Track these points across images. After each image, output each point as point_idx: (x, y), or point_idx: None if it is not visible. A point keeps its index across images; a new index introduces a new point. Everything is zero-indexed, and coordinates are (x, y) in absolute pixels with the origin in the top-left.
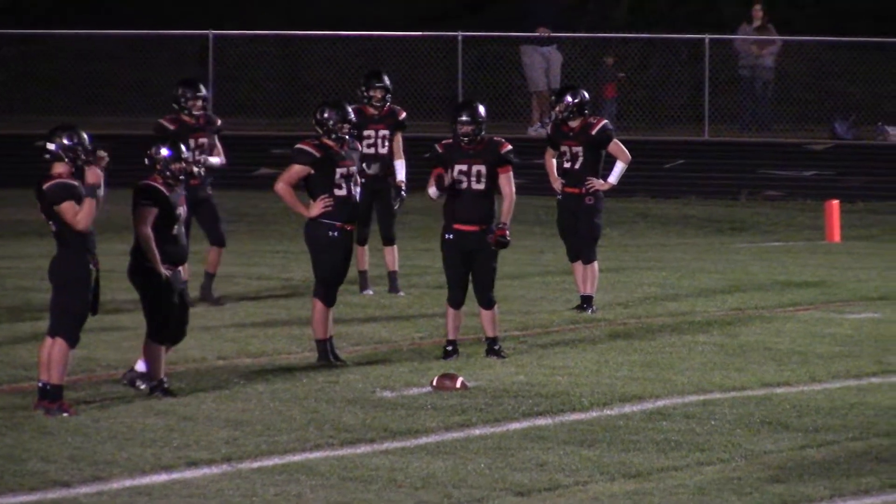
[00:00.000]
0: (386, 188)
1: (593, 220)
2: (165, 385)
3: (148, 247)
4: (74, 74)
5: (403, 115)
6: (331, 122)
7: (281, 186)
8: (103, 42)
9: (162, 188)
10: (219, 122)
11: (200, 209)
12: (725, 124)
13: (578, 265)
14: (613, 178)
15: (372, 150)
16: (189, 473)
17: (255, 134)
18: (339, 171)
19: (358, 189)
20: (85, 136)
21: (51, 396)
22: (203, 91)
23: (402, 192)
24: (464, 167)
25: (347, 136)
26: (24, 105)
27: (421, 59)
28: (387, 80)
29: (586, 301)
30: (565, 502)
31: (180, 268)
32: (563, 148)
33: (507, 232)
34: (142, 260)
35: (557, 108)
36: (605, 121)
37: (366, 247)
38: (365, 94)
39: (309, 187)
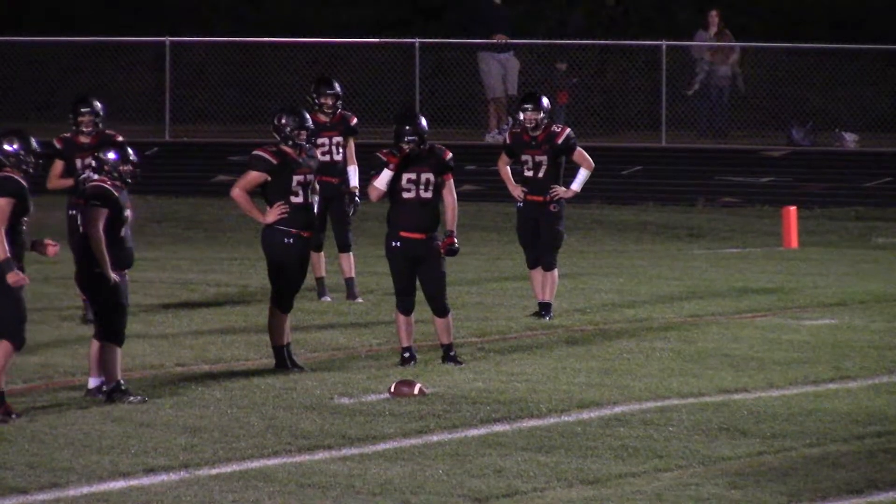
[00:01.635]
0: (340, 195)
1: (556, 227)
2: (123, 387)
3: (98, 249)
4: (28, 81)
5: (355, 120)
6: (288, 129)
7: (237, 192)
8: (57, 48)
9: (112, 189)
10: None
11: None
12: (682, 131)
13: (537, 272)
14: (577, 186)
15: (327, 158)
16: (147, 480)
17: (212, 141)
18: (295, 178)
19: (316, 197)
20: (33, 142)
21: None
22: (97, 106)
23: (357, 199)
24: (412, 175)
25: (305, 143)
26: None
27: (378, 66)
28: (337, 87)
29: (545, 308)
30: None
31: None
32: (525, 157)
33: (456, 239)
34: (91, 265)
35: (526, 118)
36: (569, 129)
37: (322, 253)
38: (316, 101)
39: (266, 194)
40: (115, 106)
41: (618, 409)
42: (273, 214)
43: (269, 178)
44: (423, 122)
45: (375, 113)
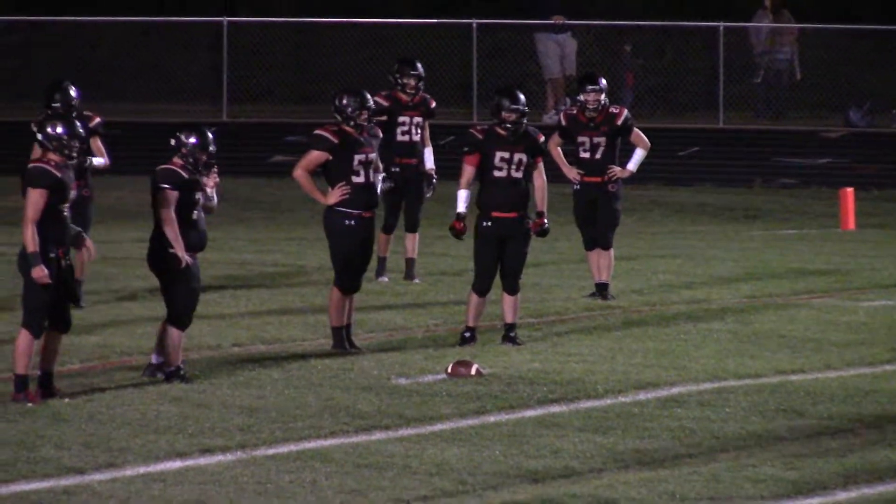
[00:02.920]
0: (417, 176)
1: (614, 207)
2: (182, 372)
3: (172, 231)
4: (83, 62)
5: (434, 104)
6: (349, 110)
7: (299, 173)
8: (112, 29)
9: (182, 172)
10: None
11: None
12: (740, 112)
13: (594, 254)
14: (633, 166)
15: (406, 138)
16: (203, 460)
17: (270, 121)
18: (357, 157)
19: (380, 177)
20: (77, 127)
21: (18, 386)
22: (72, 92)
23: (434, 180)
24: (505, 154)
25: (367, 124)
26: (31, 92)
27: (435, 47)
28: (420, 68)
29: (602, 289)
30: (579, 489)
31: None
32: (582, 139)
33: (546, 220)
34: (162, 245)
35: (589, 99)
36: (626, 110)
37: (391, 235)
38: (398, 80)
39: (327, 174)
40: (172, 86)
41: (675, 391)
42: (335, 196)
43: (331, 158)
44: (523, 96)
45: (431, 94)
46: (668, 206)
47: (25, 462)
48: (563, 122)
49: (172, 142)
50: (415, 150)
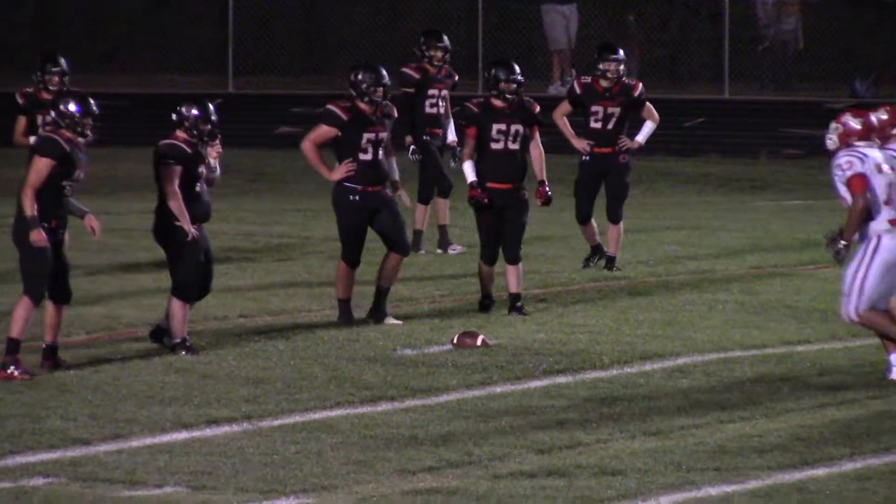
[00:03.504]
0: (444, 147)
1: (625, 179)
2: (188, 343)
3: (177, 206)
4: (90, 34)
5: (457, 76)
6: (364, 85)
7: (307, 145)
8: (119, 1)
9: (184, 146)
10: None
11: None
12: (745, 83)
13: (590, 225)
14: (642, 138)
15: (435, 110)
16: (209, 431)
17: (276, 93)
18: (366, 135)
19: (392, 158)
20: (92, 105)
21: (9, 349)
22: (64, 64)
23: (457, 150)
24: (502, 126)
25: (381, 101)
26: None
27: (441, 18)
28: (447, 41)
29: (610, 261)
30: (586, 460)
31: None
32: (596, 108)
33: (548, 188)
34: (167, 218)
35: (611, 68)
36: (641, 83)
37: (427, 206)
38: (425, 52)
39: (336, 148)
40: (178, 58)
41: (680, 361)
42: (339, 171)
43: (340, 134)
44: (517, 68)
45: None
46: (674, 177)
47: (31, 433)
48: (578, 91)
49: (174, 116)
50: (440, 121)
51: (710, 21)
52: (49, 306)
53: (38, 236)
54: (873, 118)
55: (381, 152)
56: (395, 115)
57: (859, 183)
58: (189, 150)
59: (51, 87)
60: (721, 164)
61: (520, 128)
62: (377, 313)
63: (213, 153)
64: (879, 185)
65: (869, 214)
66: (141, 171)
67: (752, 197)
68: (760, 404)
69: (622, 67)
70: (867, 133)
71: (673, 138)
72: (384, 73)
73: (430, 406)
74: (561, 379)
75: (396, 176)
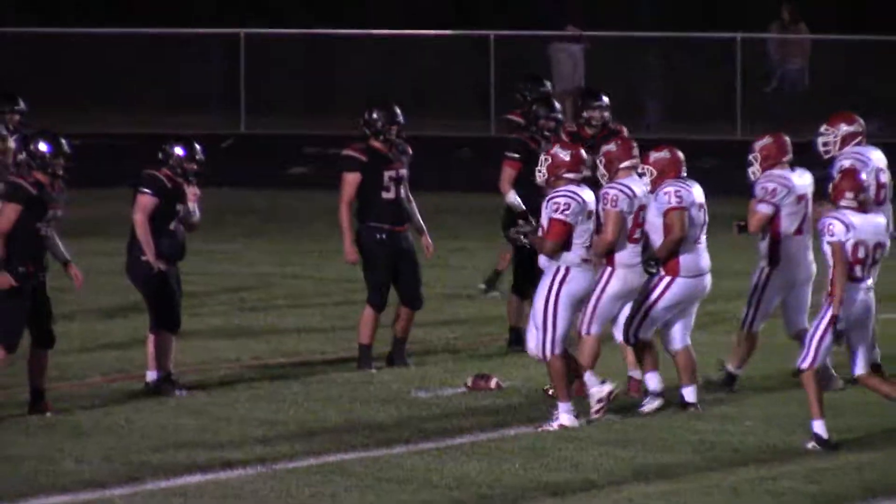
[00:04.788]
0: None
1: None
2: (173, 378)
3: (143, 235)
4: (100, 73)
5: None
6: (379, 124)
7: (343, 210)
8: (128, 40)
9: (165, 180)
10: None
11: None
12: (759, 123)
13: None
14: None
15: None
16: (224, 474)
17: (287, 133)
18: (387, 174)
19: (412, 204)
20: (63, 144)
21: None
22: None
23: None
24: None
25: (396, 139)
26: (46, 102)
27: (452, 59)
28: (605, 99)
29: None
30: (599, 503)
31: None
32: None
33: None
34: (137, 255)
35: (592, 116)
36: (624, 127)
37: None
38: (583, 115)
39: (359, 192)
40: (190, 97)
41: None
42: (353, 254)
43: (362, 177)
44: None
45: (448, 104)
46: None
47: (46, 476)
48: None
49: (160, 154)
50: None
51: (720, 61)
52: (32, 351)
53: (4, 279)
54: (583, 151)
55: (402, 190)
56: (410, 151)
57: (561, 229)
58: (168, 185)
59: (10, 127)
60: (736, 203)
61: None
62: (396, 359)
63: (191, 195)
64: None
65: (566, 245)
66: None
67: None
68: (774, 447)
69: (606, 114)
70: (577, 165)
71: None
72: (398, 111)
73: (444, 448)
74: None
75: (420, 221)
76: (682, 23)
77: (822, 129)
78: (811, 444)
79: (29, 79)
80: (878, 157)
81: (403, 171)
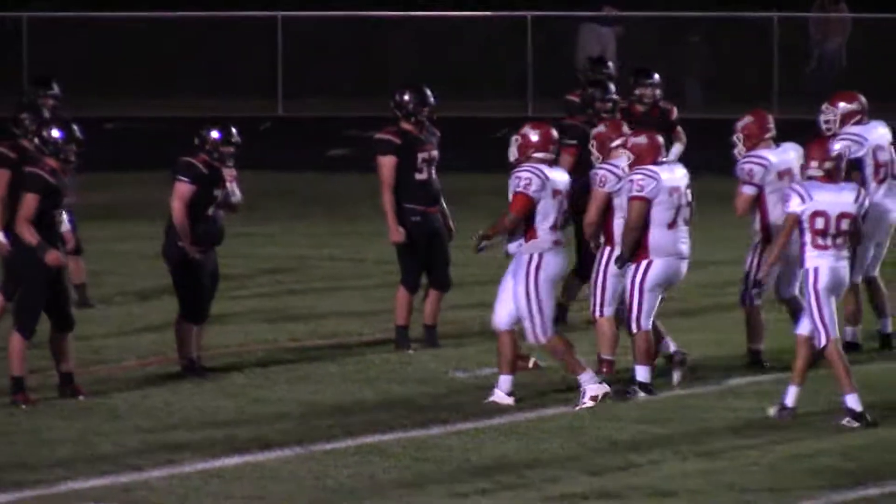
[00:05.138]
0: None
1: None
2: (196, 364)
3: (180, 222)
4: (139, 58)
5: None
6: (410, 106)
7: (387, 195)
8: (167, 25)
9: (201, 166)
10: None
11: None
12: (795, 103)
13: None
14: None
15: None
16: (262, 455)
17: (327, 115)
18: (420, 155)
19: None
20: (75, 131)
21: (12, 389)
22: (55, 89)
23: None
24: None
25: (427, 120)
26: (90, 88)
27: (490, 40)
28: (657, 77)
29: None
30: (638, 481)
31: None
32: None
33: None
34: (173, 239)
35: (644, 93)
36: (674, 106)
37: None
38: (634, 92)
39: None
40: (228, 81)
41: (732, 382)
42: (398, 234)
43: (397, 159)
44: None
45: (486, 86)
46: (723, 197)
47: (84, 459)
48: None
49: (196, 139)
50: None
51: (758, 41)
52: (52, 335)
53: (55, 256)
54: (554, 132)
55: (433, 172)
56: (438, 133)
57: (523, 202)
58: (205, 171)
59: (46, 112)
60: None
61: None
62: (428, 343)
63: (229, 176)
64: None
65: (534, 232)
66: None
67: None
68: (811, 424)
69: (658, 92)
70: (546, 145)
71: (723, 158)
72: (429, 93)
73: (482, 429)
74: (610, 400)
75: (444, 205)
76: (723, 2)
77: (823, 107)
78: (846, 420)
79: (70, 63)
80: (879, 135)
81: (435, 153)
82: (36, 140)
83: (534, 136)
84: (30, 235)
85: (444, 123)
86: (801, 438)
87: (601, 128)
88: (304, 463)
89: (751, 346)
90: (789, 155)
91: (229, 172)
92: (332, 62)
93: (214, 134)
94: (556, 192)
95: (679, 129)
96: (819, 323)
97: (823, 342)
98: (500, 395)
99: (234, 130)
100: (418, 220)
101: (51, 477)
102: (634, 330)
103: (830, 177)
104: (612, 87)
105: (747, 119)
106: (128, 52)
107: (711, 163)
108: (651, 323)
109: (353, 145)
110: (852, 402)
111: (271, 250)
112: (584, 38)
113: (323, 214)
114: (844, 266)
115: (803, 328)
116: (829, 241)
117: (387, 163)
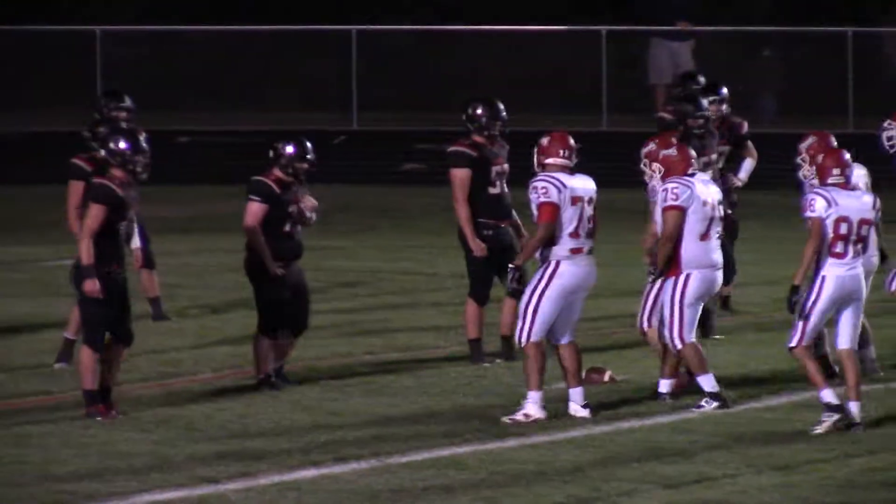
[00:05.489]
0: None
1: (733, 218)
2: (272, 379)
3: (255, 242)
4: (217, 71)
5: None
6: (483, 119)
7: (462, 209)
8: (240, 37)
9: (273, 185)
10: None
11: None
12: (870, 116)
13: None
14: (745, 175)
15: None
16: (337, 468)
17: (399, 129)
18: (494, 169)
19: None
20: (142, 142)
21: (86, 402)
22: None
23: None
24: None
25: (498, 135)
26: (165, 102)
27: (564, 54)
28: (724, 92)
29: (725, 301)
30: (713, 495)
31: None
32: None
33: None
34: (254, 254)
35: (713, 109)
36: (745, 121)
37: None
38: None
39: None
40: (302, 95)
41: (806, 395)
42: (479, 248)
43: (471, 172)
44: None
45: (560, 100)
46: (795, 211)
47: (159, 471)
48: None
49: (270, 153)
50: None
51: (833, 54)
52: (110, 347)
53: (92, 286)
54: (570, 139)
55: (505, 185)
56: (508, 146)
57: (549, 210)
58: (277, 190)
59: (119, 125)
60: None
61: (725, 148)
62: (505, 356)
63: (309, 206)
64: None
65: (551, 240)
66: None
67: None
68: (888, 438)
69: (724, 107)
70: (555, 150)
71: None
72: (501, 106)
73: (558, 441)
74: (688, 414)
75: (517, 218)
76: (797, 17)
77: (886, 123)
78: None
79: (144, 77)
80: None
81: (506, 166)
82: (103, 151)
83: (544, 141)
84: (86, 252)
85: (517, 137)
86: (877, 451)
87: (651, 145)
88: (379, 476)
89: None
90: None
91: (309, 202)
92: (406, 76)
93: (289, 149)
94: (575, 199)
95: (749, 143)
96: (800, 327)
97: (793, 343)
98: (533, 408)
99: (308, 146)
100: (490, 233)
101: (126, 489)
102: (679, 346)
103: (849, 184)
104: (704, 102)
105: (811, 140)
106: (201, 66)
107: (786, 177)
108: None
109: (426, 159)
110: (828, 396)
111: (345, 264)
112: (654, 52)
113: (396, 228)
114: (854, 276)
115: (843, 342)
116: (847, 249)
117: (461, 175)
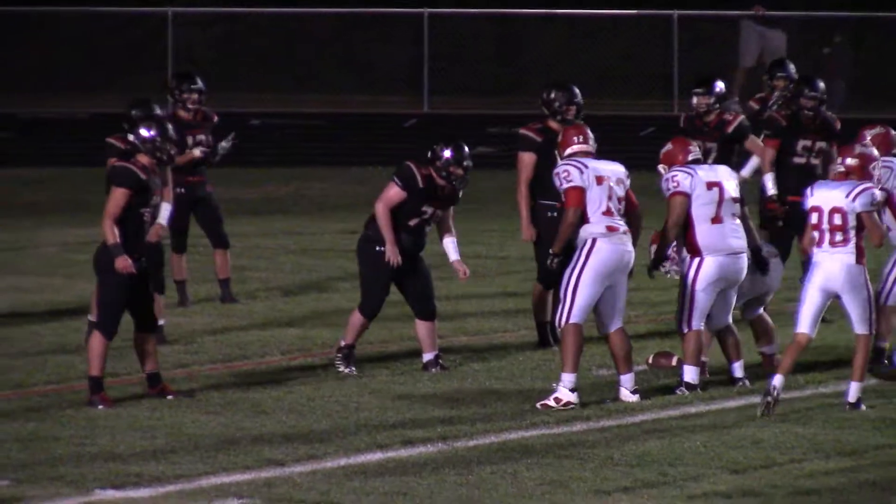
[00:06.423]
0: None
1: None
2: (347, 354)
3: (384, 225)
4: (286, 54)
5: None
6: (557, 104)
7: (522, 191)
8: (314, 21)
9: (421, 179)
10: (214, 118)
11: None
12: None
13: None
14: (746, 172)
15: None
16: (405, 452)
17: (471, 113)
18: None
19: None
20: (169, 129)
21: (90, 388)
22: (199, 83)
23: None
24: (808, 143)
25: (573, 120)
26: (231, 83)
27: (635, 38)
28: (822, 86)
29: None
30: (780, 480)
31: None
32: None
33: None
34: (368, 237)
35: (696, 102)
36: (742, 117)
37: None
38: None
39: (535, 170)
40: (373, 77)
41: (874, 381)
42: (530, 232)
43: (537, 156)
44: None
45: (628, 84)
46: None
47: (226, 454)
48: (682, 124)
49: (429, 153)
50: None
51: None
52: (136, 336)
53: (125, 263)
54: (585, 127)
55: None
56: None
57: (575, 194)
58: (422, 185)
59: (189, 106)
60: None
61: (823, 144)
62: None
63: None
64: (596, 195)
65: (587, 218)
66: (335, 192)
67: None
68: None
69: (711, 101)
70: (569, 140)
71: None
72: (577, 91)
73: (626, 426)
74: (756, 399)
75: None
76: (865, 3)
77: None
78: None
79: (215, 59)
80: None
81: None
82: (132, 136)
83: (559, 137)
84: (110, 233)
85: (589, 122)
86: None
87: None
88: (447, 459)
89: (877, 343)
90: None
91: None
92: (478, 59)
93: (447, 153)
94: (599, 179)
95: (753, 138)
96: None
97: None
98: (565, 392)
99: (466, 151)
100: (554, 215)
101: (192, 471)
102: (685, 330)
103: (847, 176)
104: (820, 84)
105: (878, 130)
106: (273, 48)
107: None
108: (703, 324)
109: (498, 142)
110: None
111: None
112: (745, 35)
113: (466, 211)
114: (836, 263)
115: (860, 327)
116: (823, 237)
117: (526, 159)
